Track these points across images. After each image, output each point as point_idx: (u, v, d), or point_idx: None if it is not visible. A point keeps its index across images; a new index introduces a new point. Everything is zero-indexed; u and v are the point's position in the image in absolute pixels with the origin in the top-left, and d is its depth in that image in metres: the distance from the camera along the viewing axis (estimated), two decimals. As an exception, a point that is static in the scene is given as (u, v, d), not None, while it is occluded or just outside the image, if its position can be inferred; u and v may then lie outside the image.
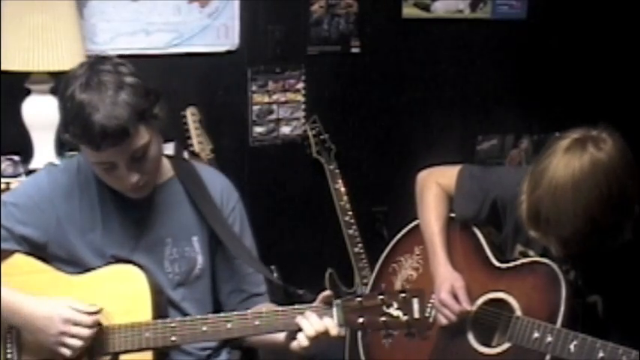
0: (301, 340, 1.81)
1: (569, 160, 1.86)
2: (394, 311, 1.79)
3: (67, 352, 1.85)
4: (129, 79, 1.83)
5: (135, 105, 1.80)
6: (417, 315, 1.79)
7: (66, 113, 1.83)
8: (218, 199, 2.07)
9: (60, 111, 1.86)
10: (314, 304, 1.84)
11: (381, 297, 1.80)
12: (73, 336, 1.83)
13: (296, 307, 1.85)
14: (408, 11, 3.67)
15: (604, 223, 1.87)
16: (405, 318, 1.79)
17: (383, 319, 1.80)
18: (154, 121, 1.88)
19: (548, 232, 1.92)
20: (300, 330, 1.82)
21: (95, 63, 1.86)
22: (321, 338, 1.81)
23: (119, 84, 1.80)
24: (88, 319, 1.85)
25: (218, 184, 2.10)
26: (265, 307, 2.04)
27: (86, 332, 1.84)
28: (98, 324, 1.87)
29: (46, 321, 1.84)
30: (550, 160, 1.89)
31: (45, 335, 1.85)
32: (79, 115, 1.78)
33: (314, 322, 1.80)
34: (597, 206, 1.84)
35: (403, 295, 1.80)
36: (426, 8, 3.69)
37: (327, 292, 1.85)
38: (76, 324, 1.84)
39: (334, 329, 1.81)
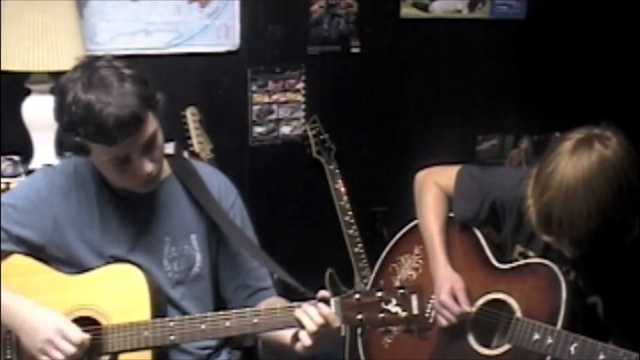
0: (304, 339, 1.80)
1: (577, 159, 1.86)
2: (393, 307, 1.78)
3: None
4: (127, 71, 1.84)
5: (141, 92, 1.82)
6: (415, 311, 1.79)
7: (72, 117, 1.81)
8: (216, 195, 2.07)
9: (63, 116, 1.84)
10: (314, 302, 1.83)
11: (379, 293, 1.79)
12: (57, 348, 1.82)
13: (295, 304, 1.84)
14: (407, 11, 3.67)
15: (616, 220, 1.87)
16: (403, 314, 1.78)
17: (381, 315, 1.79)
18: (158, 108, 1.89)
19: (562, 234, 1.91)
20: (302, 327, 1.81)
21: (89, 63, 1.86)
22: (322, 332, 1.79)
23: (121, 76, 1.81)
24: (78, 338, 1.83)
25: (216, 181, 2.10)
26: (272, 301, 2.04)
27: (71, 349, 1.82)
28: (85, 347, 1.85)
29: (39, 325, 1.84)
30: (557, 162, 1.88)
31: (31, 339, 1.84)
32: (89, 114, 1.78)
33: (313, 315, 1.79)
34: (609, 203, 1.84)
35: (402, 291, 1.79)
36: (425, 8, 3.69)
37: (325, 292, 1.84)
38: (64, 337, 1.82)
39: (335, 321, 1.79)
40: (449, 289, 2.22)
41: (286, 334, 1.89)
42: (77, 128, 1.82)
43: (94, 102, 1.77)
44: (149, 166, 1.87)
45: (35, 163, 2.86)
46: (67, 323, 1.85)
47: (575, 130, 1.94)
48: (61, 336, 1.82)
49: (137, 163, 1.86)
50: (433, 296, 2.27)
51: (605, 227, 1.87)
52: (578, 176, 1.84)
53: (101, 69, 1.82)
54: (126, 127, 1.78)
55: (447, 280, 2.24)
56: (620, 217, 1.88)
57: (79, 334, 1.84)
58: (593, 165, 1.85)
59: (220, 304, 2.10)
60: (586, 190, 1.84)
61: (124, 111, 1.77)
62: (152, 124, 1.86)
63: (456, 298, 2.21)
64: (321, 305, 1.80)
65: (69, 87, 1.82)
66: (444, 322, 2.22)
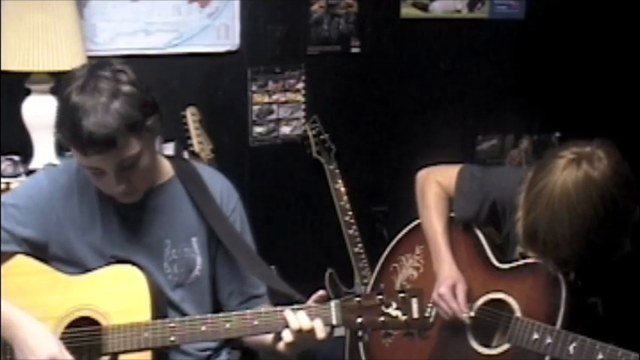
0: (285, 337, 1.80)
1: (564, 182, 1.84)
2: (393, 311, 1.79)
3: None
4: (126, 88, 1.81)
5: (127, 115, 1.79)
6: (416, 315, 1.79)
7: (60, 114, 1.83)
8: (218, 199, 2.06)
9: (57, 110, 1.86)
10: (311, 304, 1.84)
11: (379, 297, 1.80)
12: None
13: (294, 307, 1.84)
14: (406, 11, 3.67)
15: (601, 243, 1.87)
16: (404, 318, 1.79)
17: (382, 318, 1.79)
18: (148, 134, 1.86)
19: (546, 253, 1.91)
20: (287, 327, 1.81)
21: (96, 67, 1.85)
22: (306, 338, 1.80)
23: (114, 92, 1.79)
24: None
25: (218, 185, 2.10)
26: (264, 308, 2.04)
27: None
28: None
29: (34, 348, 1.82)
30: (546, 182, 1.87)
31: (24, 355, 1.83)
32: (70, 118, 1.78)
33: (300, 318, 1.80)
34: (593, 228, 1.83)
35: (402, 294, 1.80)
36: (424, 8, 3.69)
37: (321, 292, 1.84)
38: None
39: (321, 332, 1.79)
40: (450, 284, 2.22)
41: (268, 335, 1.89)
42: (60, 126, 1.83)
43: (78, 108, 1.77)
44: (120, 186, 1.86)
45: (35, 163, 2.86)
46: (61, 352, 1.84)
47: (569, 144, 1.91)
48: None
49: (108, 180, 1.86)
50: (434, 295, 2.27)
51: (589, 250, 1.86)
52: (564, 200, 1.83)
53: (101, 78, 1.80)
54: (97, 145, 1.77)
55: (451, 276, 2.25)
56: (606, 240, 1.87)
57: None
58: (579, 189, 1.83)
59: (219, 306, 2.10)
60: (571, 214, 1.83)
61: (98, 129, 1.76)
62: (133, 148, 1.82)
63: (455, 296, 2.21)
64: (317, 321, 1.79)
65: (69, 83, 1.82)
66: (445, 316, 2.23)
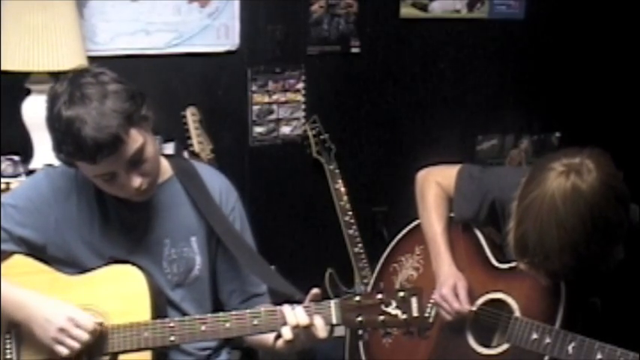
0: (285, 333, 1.80)
1: (552, 196, 1.82)
2: (393, 310, 1.79)
3: (62, 350, 1.84)
4: (111, 87, 1.82)
5: (122, 111, 1.79)
6: (415, 313, 1.79)
7: (56, 133, 1.82)
8: (217, 198, 2.07)
9: (50, 132, 1.85)
10: (310, 304, 1.83)
11: (379, 296, 1.80)
12: (71, 336, 1.83)
13: (294, 306, 1.84)
14: (406, 11, 3.67)
15: (591, 255, 1.85)
16: (403, 317, 1.79)
17: (381, 317, 1.79)
18: (145, 122, 1.87)
19: (537, 265, 1.91)
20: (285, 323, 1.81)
21: (75, 77, 1.84)
22: (305, 336, 1.80)
23: (103, 93, 1.80)
24: (90, 325, 1.85)
25: (217, 184, 2.10)
26: (265, 307, 2.04)
27: (85, 336, 1.84)
28: (97, 333, 1.87)
29: (49, 316, 1.84)
30: (535, 195, 1.85)
31: (44, 331, 1.84)
32: (69, 132, 1.78)
33: (298, 314, 1.80)
34: (582, 241, 1.82)
35: (402, 293, 1.80)
36: (424, 8, 3.70)
37: (315, 290, 1.84)
38: (77, 325, 1.83)
39: (322, 331, 1.80)
40: (452, 285, 2.23)
41: (269, 336, 1.89)
42: (60, 146, 1.83)
43: (74, 120, 1.77)
44: (137, 181, 1.87)
45: (35, 163, 2.86)
46: (77, 311, 1.86)
47: (560, 155, 1.89)
48: (73, 324, 1.83)
49: (124, 179, 1.86)
50: (434, 295, 2.28)
51: (579, 262, 1.85)
52: (552, 214, 1.82)
53: (84, 85, 1.81)
54: (105, 148, 1.77)
55: (450, 277, 2.25)
56: (596, 252, 1.86)
57: (90, 321, 1.85)
58: (567, 203, 1.81)
59: (220, 305, 2.10)
60: (559, 227, 1.82)
61: (101, 132, 1.76)
62: (137, 141, 1.83)
63: (457, 295, 2.21)
64: (316, 317, 1.80)
65: (54, 102, 1.82)
66: (447, 317, 2.23)
